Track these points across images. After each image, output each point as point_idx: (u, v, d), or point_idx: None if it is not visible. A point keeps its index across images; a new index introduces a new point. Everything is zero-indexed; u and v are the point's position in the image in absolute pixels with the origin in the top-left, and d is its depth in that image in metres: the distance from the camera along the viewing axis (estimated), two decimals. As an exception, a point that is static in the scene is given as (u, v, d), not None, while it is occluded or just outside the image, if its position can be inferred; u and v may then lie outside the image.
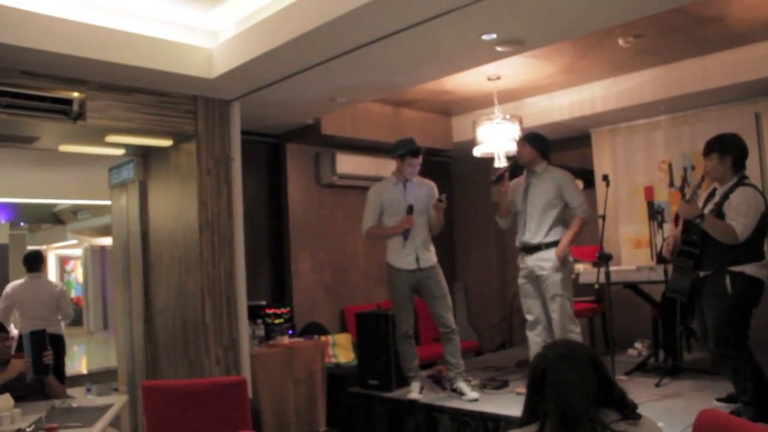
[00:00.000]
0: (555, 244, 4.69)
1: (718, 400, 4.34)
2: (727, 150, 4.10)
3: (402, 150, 5.03)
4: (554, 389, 1.78)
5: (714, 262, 4.02)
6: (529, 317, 4.88)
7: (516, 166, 4.96)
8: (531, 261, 4.78)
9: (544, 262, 4.70)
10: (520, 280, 4.92)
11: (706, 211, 4.07)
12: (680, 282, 4.23)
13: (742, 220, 3.88)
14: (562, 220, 4.79)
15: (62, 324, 6.62)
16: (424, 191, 5.12)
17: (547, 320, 4.78)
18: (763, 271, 3.96)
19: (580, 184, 8.10)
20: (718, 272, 3.98)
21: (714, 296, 4.00)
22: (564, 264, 4.65)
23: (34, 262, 6.53)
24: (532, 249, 4.78)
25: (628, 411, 1.81)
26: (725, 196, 4.03)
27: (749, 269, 3.91)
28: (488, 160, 6.29)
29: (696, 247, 4.11)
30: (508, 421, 4.26)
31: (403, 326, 5.08)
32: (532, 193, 4.81)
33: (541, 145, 4.88)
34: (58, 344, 5.97)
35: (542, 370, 1.83)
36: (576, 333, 4.65)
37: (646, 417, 1.83)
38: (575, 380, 1.78)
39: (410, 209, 4.95)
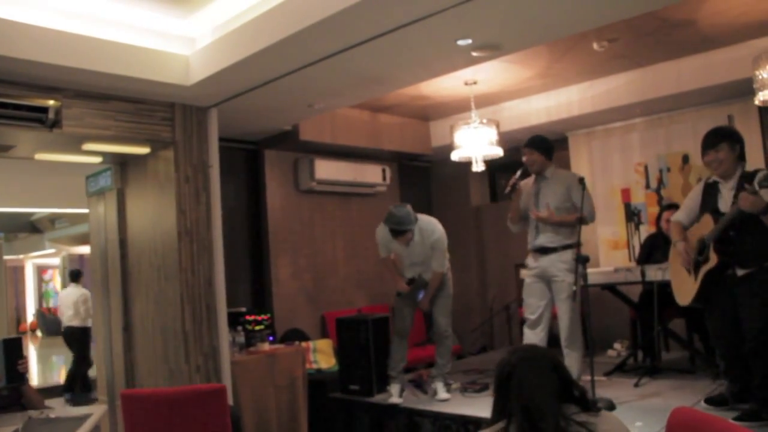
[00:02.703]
0: (570, 246, 4.63)
1: (707, 402, 4.22)
2: (737, 139, 3.99)
3: (387, 225, 5.04)
4: (517, 389, 1.91)
5: (753, 258, 3.82)
6: (531, 316, 4.81)
7: (525, 173, 4.89)
8: (545, 261, 4.73)
9: (560, 263, 4.66)
10: (529, 279, 4.88)
11: (720, 208, 3.91)
12: (710, 287, 4.01)
13: None
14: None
15: (89, 320, 8.77)
16: (426, 246, 5.09)
17: (547, 321, 4.79)
18: None
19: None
20: (762, 270, 3.80)
21: (758, 296, 3.79)
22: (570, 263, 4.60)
23: (72, 276, 9.40)
24: (548, 251, 4.75)
25: (589, 406, 1.93)
26: (740, 188, 3.79)
27: None
28: (467, 164, 6.33)
29: (731, 244, 3.87)
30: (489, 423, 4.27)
31: (401, 324, 5.21)
32: (543, 197, 4.78)
33: (547, 149, 4.84)
34: (85, 335, 8.87)
35: (507, 372, 1.96)
36: (579, 335, 4.67)
37: (606, 411, 1.96)
38: (537, 380, 1.91)
39: (410, 281, 5.15)
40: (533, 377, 1.92)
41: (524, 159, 4.87)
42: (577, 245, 4.60)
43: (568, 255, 4.63)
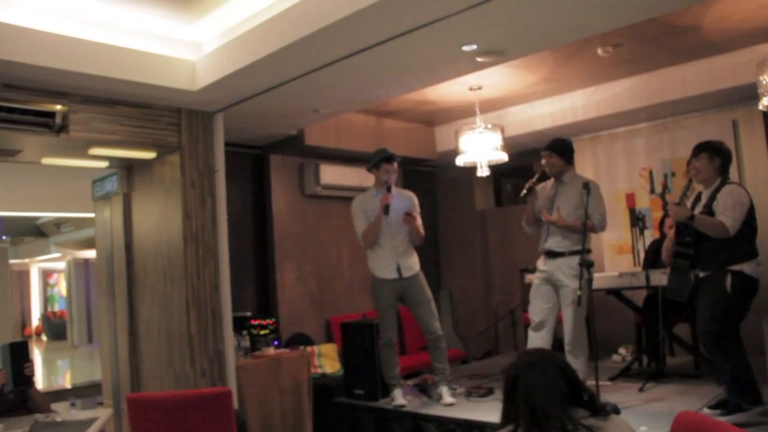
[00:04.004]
0: (578, 252, 4.59)
1: (710, 407, 4.21)
2: (716, 153, 4.21)
3: (376, 159, 5.06)
4: (524, 392, 1.93)
5: (712, 261, 4.08)
6: (536, 318, 4.79)
7: (544, 177, 4.89)
8: (552, 265, 4.74)
9: (566, 269, 4.64)
10: (536, 281, 4.87)
11: (696, 212, 4.15)
12: (677, 283, 4.29)
13: (730, 214, 4.00)
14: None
15: None
16: (405, 203, 5.12)
17: (552, 324, 4.77)
18: (757, 268, 4.04)
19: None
20: (719, 272, 4.03)
21: (711, 293, 4.05)
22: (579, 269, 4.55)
23: None
24: (555, 255, 4.74)
25: (598, 410, 1.94)
26: (713, 197, 4.13)
27: (747, 268, 4.00)
28: (472, 169, 6.34)
29: (690, 247, 4.17)
30: (494, 428, 4.26)
31: (387, 334, 5.12)
32: (558, 202, 4.77)
33: (567, 153, 4.84)
34: None
35: (514, 376, 1.99)
36: (583, 342, 4.64)
37: (615, 415, 1.97)
38: (543, 384, 1.93)
39: (389, 188, 5.00)
40: (540, 381, 1.93)
41: (543, 162, 4.86)
42: (586, 251, 4.59)
43: (575, 260, 4.59)
